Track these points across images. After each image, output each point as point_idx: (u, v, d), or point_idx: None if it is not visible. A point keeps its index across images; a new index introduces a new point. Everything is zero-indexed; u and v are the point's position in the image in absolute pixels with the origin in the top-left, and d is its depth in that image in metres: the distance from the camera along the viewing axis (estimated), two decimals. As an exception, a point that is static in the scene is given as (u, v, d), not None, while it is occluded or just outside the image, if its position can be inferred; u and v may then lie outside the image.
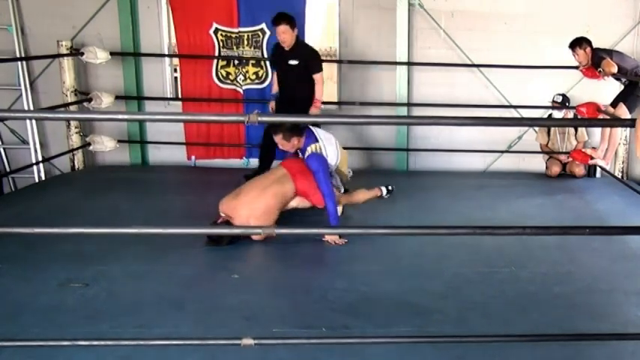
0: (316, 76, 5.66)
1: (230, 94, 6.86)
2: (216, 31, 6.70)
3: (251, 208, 4.30)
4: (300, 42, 5.70)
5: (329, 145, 4.81)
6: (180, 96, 6.98)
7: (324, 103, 7.21)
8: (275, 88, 5.88)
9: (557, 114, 6.61)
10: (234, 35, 6.71)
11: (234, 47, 6.75)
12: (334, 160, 4.86)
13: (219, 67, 6.83)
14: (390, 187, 5.54)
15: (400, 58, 6.71)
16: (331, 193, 4.56)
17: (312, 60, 5.68)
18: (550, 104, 6.58)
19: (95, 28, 6.68)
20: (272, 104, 5.89)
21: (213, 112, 6.64)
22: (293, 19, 5.53)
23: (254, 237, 4.33)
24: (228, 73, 6.83)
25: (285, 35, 5.48)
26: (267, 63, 6.74)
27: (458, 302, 3.55)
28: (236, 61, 6.79)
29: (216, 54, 6.77)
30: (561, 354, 2.94)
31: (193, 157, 7.01)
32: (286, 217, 4.92)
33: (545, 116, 6.76)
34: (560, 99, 6.46)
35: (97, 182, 6.13)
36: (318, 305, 3.46)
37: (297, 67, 5.61)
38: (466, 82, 6.83)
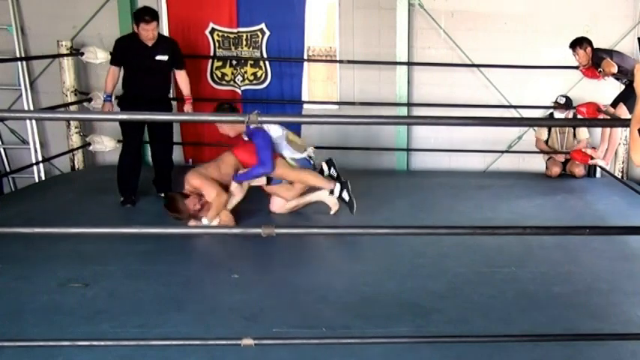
0: (183, 72, 5.47)
1: (225, 96, 6.81)
2: (212, 31, 6.68)
3: (191, 175, 4.63)
4: (162, 36, 5.39)
5: (274, 128, 4.89)
6: (175, 96, 6.96)
7: (323, 103, 7.23)
8: (110, 88, 5.29)
9: (559, 114, 6.60)
10: (232, 35, 6.70)
11: (233, 47, 6.74)
12: (278, 132, 4.89)
13: (214, 67, 6.80)
14: (345, 194, 4.93)
15: (400, 58, 6.70)
16: (266, 162, 4.69)
17: (179, 55, 5.43)
18: (552, 105, 6.55)
19: (95, 28, 6.68)
20: (108, 106, 5.28)
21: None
22: (157, 13, 5.19)
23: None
24: (223, 74, 6.80)
25: (155, 32, 5.12)
26: (267, 63, 6.73)
27: (458, 302, 3.55)
28: (233, 62, 6.78)
29: (212, 54, 6.75)
30: (561, 354, 2.94)
31: (191, 160, 6.98)
32: (287, 217, 4.94)
33: (545, 116, 6.76)
34: (563, 100, 6.43)
35: (97, 182, 6.12)
36: (318, 305, 3.46)
37: (164, 64, 5.27)
38: (466, 82, 6.82)
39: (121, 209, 5.21)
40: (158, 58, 5.21)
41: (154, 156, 5.64)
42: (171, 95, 5.96)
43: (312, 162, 5.05)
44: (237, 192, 4.84)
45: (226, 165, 4.79)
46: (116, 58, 5.33)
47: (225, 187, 4.75)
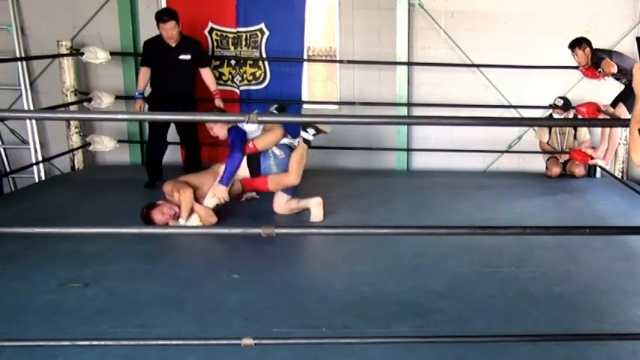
0: (207, 70, 5.87)
1: (223, 95, 6.77)
2: (211, 30, 6.68)
3: (165, 183, 4.81)
4: (185, 36, 5.71)
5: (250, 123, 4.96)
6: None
7: (323, 103, 7.23)
8: (142, 86, 5.75)
9: (557, 116, 6.59)
10: (231, 35, 6.69)
11: (232, 47, 6.73)
12: (253, 126, 4.94)
13: (212, 67, 6.79)
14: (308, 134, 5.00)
15: (400, 58, 6.71)
16: (233, 153, 4.78)
17: (201, 54, 5.84)
18: (550, 106, 6.55)
19: (95, 28, 6.67)
20: (139, 103, 5.75)
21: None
22: (177, 14, 5.55)
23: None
24: (221, 74, 6.79)
25: (174, 31, 5.50)
26: (266, 64, 6.72)
27: (458, 302, 3.55)
28: (232, 62, 6.77)
29: (210, 54, 6.74)
30: (561, 354, 2.94)
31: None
32: (287, 217, 4.94)
33: (545, 116, 6.76)
34: (561, 102, 6.42)
35: (97, 182, 6.13)
36: (318, 305, 3.46)
37: (187, 63, 5.66)
38: (466, 82, 6.83)
39: (121, 209, 5.19)
40: (182, 57, 5.62)
41: (186, 152, 6.12)
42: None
43: (292, 148, 5.02)
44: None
45: (217, 175, 4.87)
46: (144, 59, 5.77)
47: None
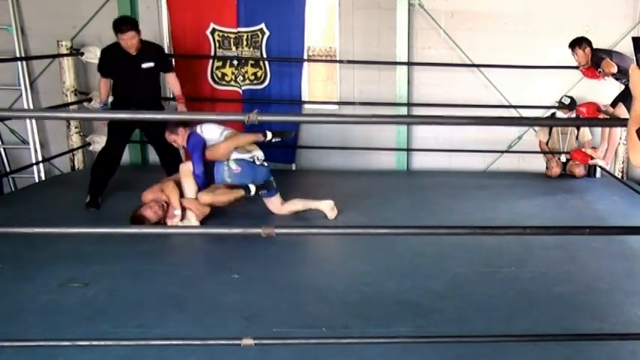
0: (171, 75, 5.63)
1: (226, 96, 6.81)
2: (213, 31, 6.68)
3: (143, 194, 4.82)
4: (146, 43, 5.39)
5: (209, 126, 4.94)
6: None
7: (323, 103, 7.23)
8: (105, 97, 5.56)
9: (562, 115, 6.57)
10: (232, 35, 6.69)
11: (233, 47, 6.74)
12: (215, 134, 4.90)
13: (214, 68, 6.81)
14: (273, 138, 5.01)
15: (400, 58, 6.70)
16: (197, 174, 4.74)
17: (164, 60, 5.61)
18: (557, 105, 6.54)
19: (95, 28, 6.67)
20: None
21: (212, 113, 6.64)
22: (136, 22, 5.29)
23: None
24: (224, 74, 6.80)
25: (134, 40, 5.16)
26: (266, 63, 6.73)
27: (458, 302, 3.56)
28: (234, 62, 6.78)
29: (212, 55, 6.75)
30: (561, 354, 2.94)
31: None
32: (287, 217, 4.93)
33: (545, 116, 6.75)
34: (568, 101, 6.41)
35: (97, 182, 6.12)
36: (318, 305, 3.47)
37: (150, 70, 5.38)
38: (466, 82, 6.82)
39: (121, 209, 5.19)
40: (144, 66, 5.30)
41: (161, 157, 5.72)
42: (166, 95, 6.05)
43: (257, 163, 4.93)
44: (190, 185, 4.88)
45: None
46: (104, 70, 5.44)
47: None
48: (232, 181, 4.83)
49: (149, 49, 5.40)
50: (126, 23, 5.14)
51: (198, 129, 4.93)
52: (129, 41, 5.13)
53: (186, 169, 4.81)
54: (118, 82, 5.43)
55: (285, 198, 5.11)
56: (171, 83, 5.70)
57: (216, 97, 6.81)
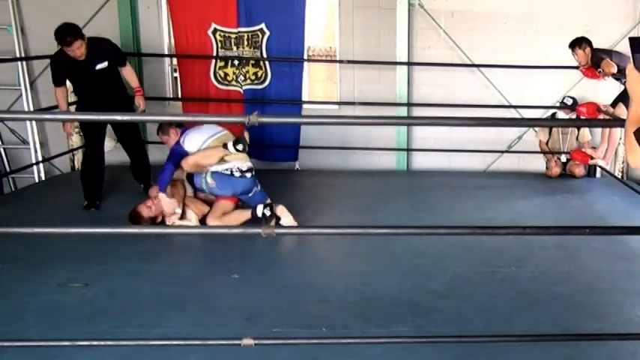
0: (127, 68, 5.44)
1: (228, 95, 6.82)
2: (214, 31, 6.68)
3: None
4: (92, 42, 5.07)
5: (193, 136, 4.77)
6: (180, 96, 6.98)
7: (323, 103, 7.22)
8: (65, 106, 5.30)
9: (563, 115, 6.57)
10: (233, 36, 6.69)
11: (234, 47, 6.74)
12: (194, 148, 4.70)
13: (217, 67, 6.81)
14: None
15: (400, 58, 6.70)
16: (163, 178, 4.63)
17: (116, 55, 5.34)
18: (559, 105, 6.53)
19: (95, 28, 6.66)
20: (69, 125, 5.48)
21: (213, 113, 6.65)
22: (79, 28, 4.96)
23: None
24: (226, 74, 6.80)
25: (82, 49, 4.90)
26: (267, 63, 6.73)
27: (458, 302, 3.56)
28: (235, 62, 6.78)
29: (215, 55, 6.76)
30: (561, 354, 2.94)
31: None
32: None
33: (545, 116, 6.75)
34: (570, 101, 6.41)
35: (97, 182, 6.12)
36: (318, 305, 3.46)
37: (105, 69, 5.16)
38: (466, 82, 6.82)
39: (121, 209, 5.19)
40: (98, 67, 5.12)
41: (130, 156, 5.72)
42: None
43: (236, 175, 4.70)
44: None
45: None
46: (58, 79, 5.23)
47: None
48: (210, 192, 4.79)
49: (99, 48, 5.15)
50: (70, 34, 4.82)
51: (181, 139, 4.77)
52: (77, 51, 4.90)
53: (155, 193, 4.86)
54: (76, 87, 5.34)
55: (286, 198, 5.10)
56: (127, 76, 5.47)
57: (220, 97, 6.82)
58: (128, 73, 5.50)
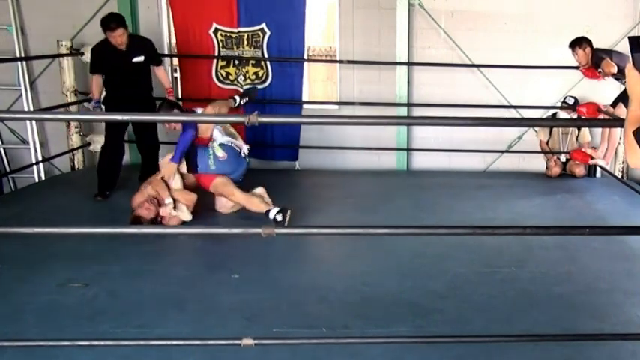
0: (160, 68, 5.79)
1: (230, 95, 6.83)
2: (215, 31, 6.69)
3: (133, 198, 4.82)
4: (134, 37, 5.57)
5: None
6: (180, 96, 6.98)
7: (323, 103, 7.22)
8: (98, 94, 5.59)
9: (564, 114, 6.57)
10: (234, 35, 6.70)
11: (234, 47, 6.74)
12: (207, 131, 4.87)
13: (218, 67, 6.82)
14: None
15: (400, 58, 6.70)
16: (186, 135, 4.73)
17: (154, 53, 5.70)
18: (560, 105, 6.53)
19: (95, 28, 6.64)
20: (99, 111, 5.61)
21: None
22: (124, 18, 5.37)
23: None
24: (227, 74, 6.82)
25: (123, 37, 5.27)
26: (267, 63, 6.73)
27: (458, 302, 3.56)
28: (236, 61, 6.78)
29: (216, 54, 6.76)
30: (561, 354, 2.94)
31: None
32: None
33: (545, 116, 6.75)
34: (572, 101, 6.40)
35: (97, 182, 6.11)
36: (318, 305, 3.47)
37: (141, 64, 5.50)
38: (466, 82, 6.82)
39: (121, 209, 5.19)
40: (135, 60, 5.43)
41: (143, 156, 5.89)
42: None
43: (238, 151, 4.89)
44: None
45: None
46: (95, 67, 5.54)
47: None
48: (215, 170, 4.78)
49: (139, 43, 5.54)
50: (114, 21, 5.22)
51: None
52: (119, 38, 5.23)
53: (166, 160, 4.88)
54: (109, 78, 5.53)
55: (286, 197, 5.10)
56: (160, 76, 5.82)
57: (221, 97, 6.80)
58: (162, 73, 5.82)
